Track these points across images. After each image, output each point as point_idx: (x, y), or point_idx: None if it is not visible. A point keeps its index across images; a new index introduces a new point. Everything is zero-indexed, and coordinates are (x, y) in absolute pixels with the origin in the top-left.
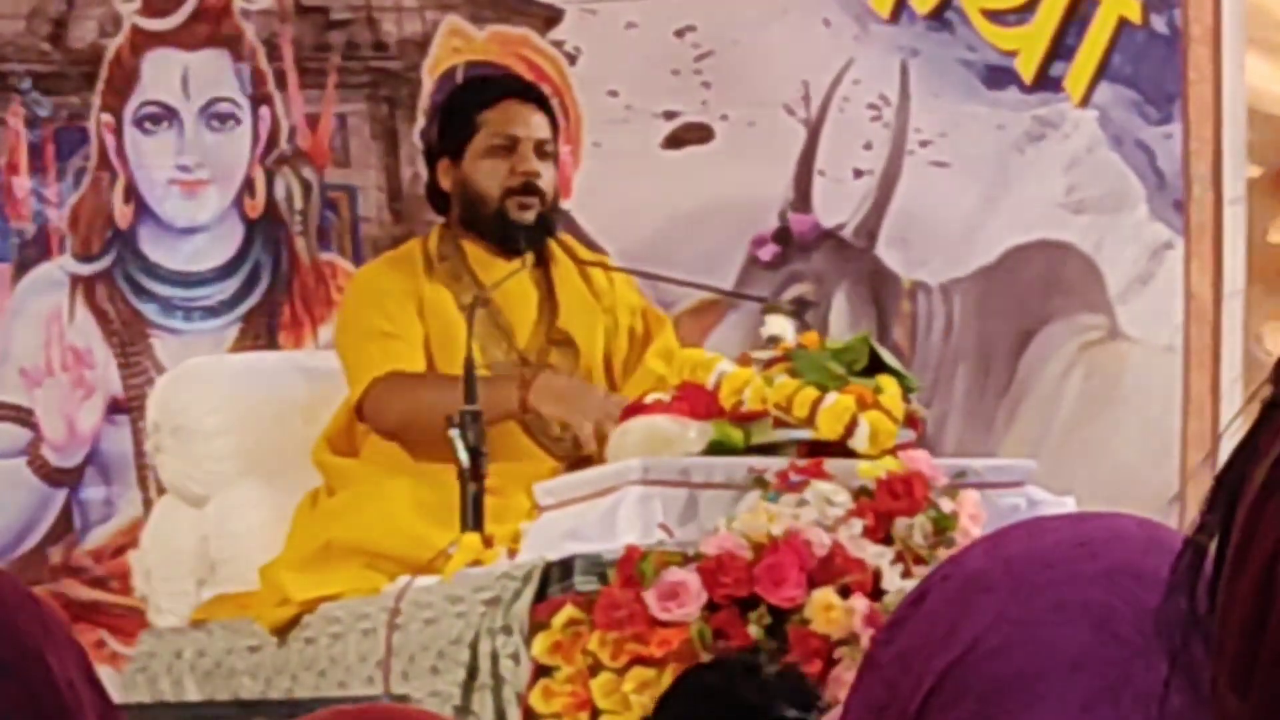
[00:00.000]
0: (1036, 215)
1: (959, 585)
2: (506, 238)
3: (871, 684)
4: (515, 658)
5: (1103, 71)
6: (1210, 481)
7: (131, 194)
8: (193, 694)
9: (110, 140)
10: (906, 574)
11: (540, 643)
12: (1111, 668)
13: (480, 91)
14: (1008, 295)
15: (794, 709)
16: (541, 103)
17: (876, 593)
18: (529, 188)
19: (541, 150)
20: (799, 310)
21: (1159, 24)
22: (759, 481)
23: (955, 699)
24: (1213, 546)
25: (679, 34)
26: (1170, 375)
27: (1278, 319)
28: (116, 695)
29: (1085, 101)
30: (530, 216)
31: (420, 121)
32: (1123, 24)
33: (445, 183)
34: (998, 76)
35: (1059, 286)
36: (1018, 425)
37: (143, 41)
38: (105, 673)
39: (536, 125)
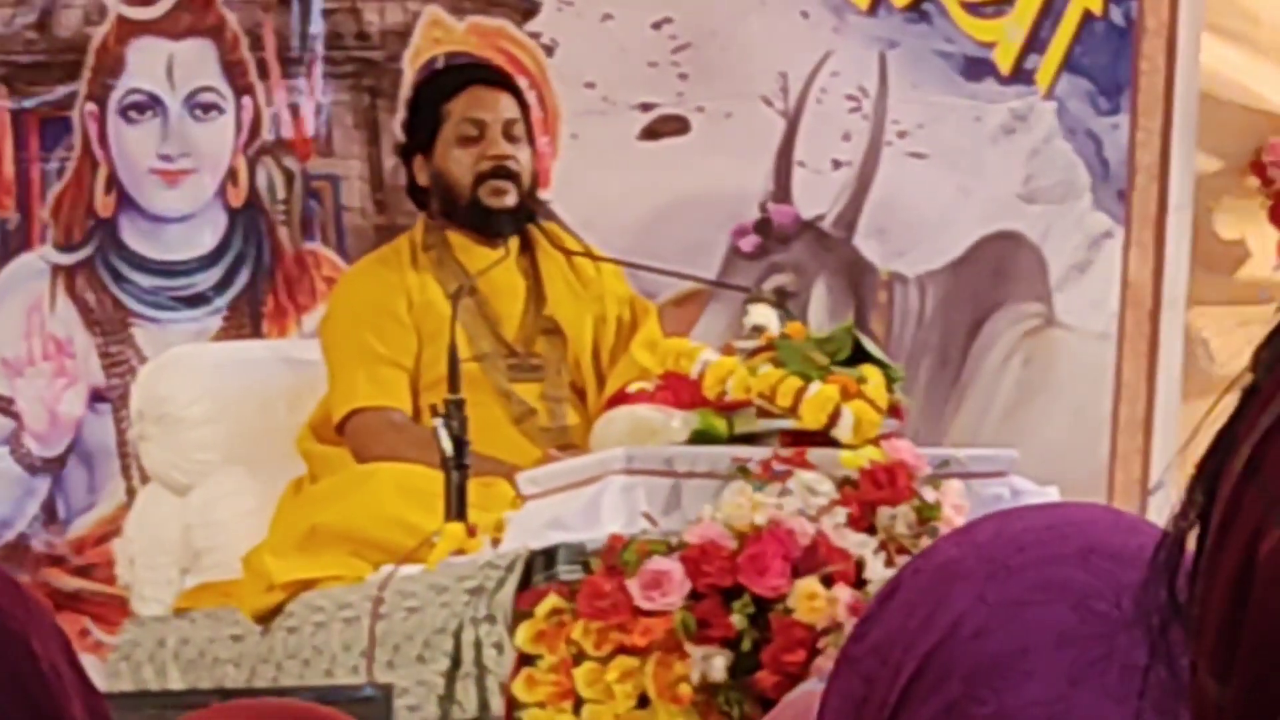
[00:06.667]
0: (1001, 206)
1: (932, 575)
2: (486, 224)
3: (848, 679)
4: (499, 647)
5: (1065, 63)
6: (1177, 473)
7: (114, 183)
8: (176, 682)
9: (94, 129)
10: (889, 563)
11: (524, 632)
12: (1096, 642)
13: (443, 82)
14: (969, 286)
15: None
16: (506, 85)
17: (860, 582)
18: (501, 171)
19: (510, 133)
20: (780, 300)
21: (1117, 16)
22: (742, 471)
23: (939, 682)
24: (1192, 535)
25: (656, 26)
26: (1103, 362)
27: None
28: (100, 684)
29: (1050, 93)
30: (507, 201)
31: (402, 112)
32: (1086, 16)
33: (421, 178)
34: (975, 68)
35: (1008, 275)
36: (962, 413)
37: (127, 30)
38: (89, 661)
39: (503, 107)
